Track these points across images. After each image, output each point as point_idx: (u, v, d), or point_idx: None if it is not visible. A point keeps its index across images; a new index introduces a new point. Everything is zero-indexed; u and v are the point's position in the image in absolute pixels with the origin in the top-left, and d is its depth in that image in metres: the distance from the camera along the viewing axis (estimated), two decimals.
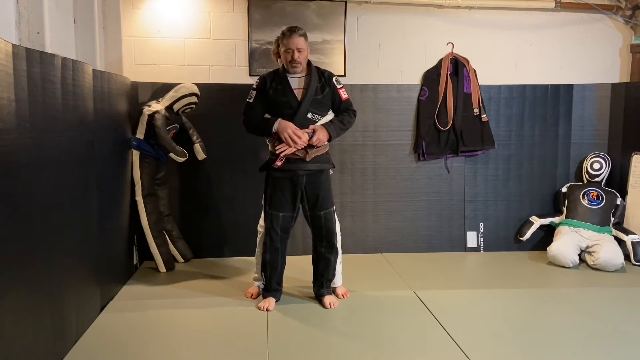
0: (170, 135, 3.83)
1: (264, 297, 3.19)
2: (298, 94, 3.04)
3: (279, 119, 2.99)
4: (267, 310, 3.08)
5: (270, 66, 3.68)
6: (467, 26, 4.43)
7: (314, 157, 3.04)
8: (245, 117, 3.12)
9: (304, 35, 3.03)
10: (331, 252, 3.20)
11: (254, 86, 3.12)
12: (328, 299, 3.18)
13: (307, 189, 3.09)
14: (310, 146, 3.00)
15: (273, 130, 2.99)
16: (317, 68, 3.15)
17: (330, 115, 3.15)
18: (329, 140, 3.06)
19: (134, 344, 2.68)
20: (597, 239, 4.01)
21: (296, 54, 2.99)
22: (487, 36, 4.46)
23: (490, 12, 4.45)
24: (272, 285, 3.19)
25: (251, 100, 3.10)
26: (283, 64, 3.08)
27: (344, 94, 3.14)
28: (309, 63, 3.11)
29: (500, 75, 4.46)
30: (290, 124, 2.97)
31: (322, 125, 3.05)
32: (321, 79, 3.09)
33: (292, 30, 3.00)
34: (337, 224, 3.27)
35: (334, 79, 3.13)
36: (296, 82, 3.06)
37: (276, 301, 3.17)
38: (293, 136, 2.94)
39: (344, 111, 3.15)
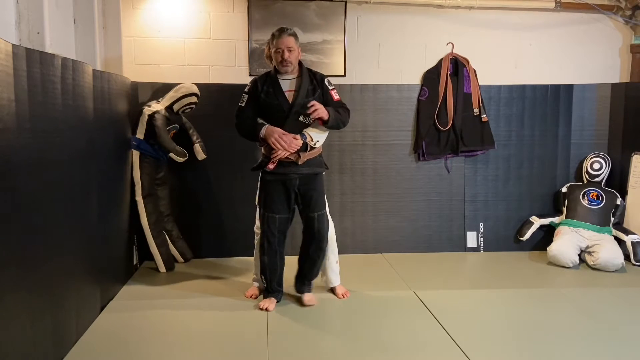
0: (170, 135, 3.83)
1: (265, 297, 3.19)
2: (289, 96, 3.03)
3: (267, 125, 2.99)
4: (267, 310, 3.08)
5: (270, 66, 3.68)
6: (467, 26, 4.43)
7: (307, 161, 3.04)
8: (237, 121, 3.11)
9: (294, 35, 3.02)
10: (318, 255, 3.20)
11: (246, 90, 3.11)
12: (307, 297, 3.21)
13: (301, 190, 3.09)
14: (302, 149, 3.00)
15: (260, 136, 2.99)
16: (309, 70, 3.13)
17: None
18: (326, 121, 2.98)
19: (133, 344, 2.68)
20: (597, 239, 4.01)
21: (286, 54, 2.97)
22: (487, 36, 4.46)
23: (490, 12, 4.45)
24: (272, 287, 3.18)
25: (243, 105, 3.09)
26: (275, 66, 3.07)
27: (335, 95, 3.12)
28: (300, 65, 3.10)
29: (500, 75, 4.46)
30: (278, 130, 2.95)
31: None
32: (312, 80, 3.07)
33: (281, 31, 2.99)
34: (332, 225, 3.27)
35: (325, 80, 3.11)
36: (287, 85, 3.05)
37: (277, 302, 3.17)
38: (280, 141, 2.91)
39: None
